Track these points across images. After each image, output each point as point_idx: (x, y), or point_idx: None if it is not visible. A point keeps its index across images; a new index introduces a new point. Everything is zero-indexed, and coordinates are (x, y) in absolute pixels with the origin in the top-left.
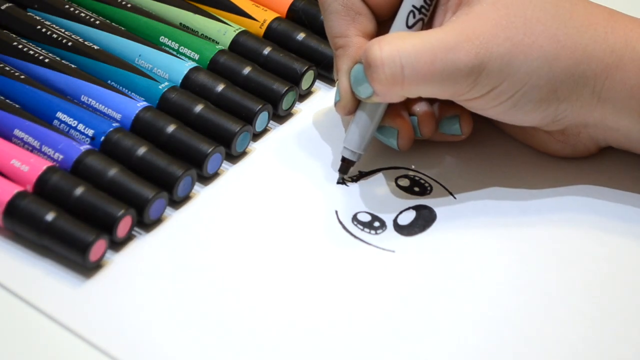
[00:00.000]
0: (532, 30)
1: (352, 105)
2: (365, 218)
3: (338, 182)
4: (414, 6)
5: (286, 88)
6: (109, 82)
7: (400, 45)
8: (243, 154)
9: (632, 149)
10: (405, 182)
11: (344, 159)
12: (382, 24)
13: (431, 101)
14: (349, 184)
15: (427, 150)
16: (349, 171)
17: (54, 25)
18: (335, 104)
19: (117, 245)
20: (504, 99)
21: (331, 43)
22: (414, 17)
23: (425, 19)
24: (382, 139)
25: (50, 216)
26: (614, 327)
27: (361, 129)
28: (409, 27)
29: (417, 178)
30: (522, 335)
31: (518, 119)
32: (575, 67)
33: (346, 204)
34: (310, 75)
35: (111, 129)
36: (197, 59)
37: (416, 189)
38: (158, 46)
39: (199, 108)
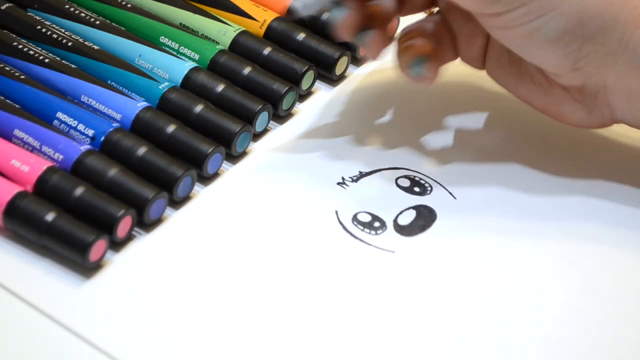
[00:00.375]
0: None
1: None
2: (366, 218)
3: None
4: None
5: (286, 88)
6: (109, 82)
7: None
8: (243, 154)
9: None
10: (405, 183)
11: (290, 10)
12: None
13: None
14: (349, 184)
15: (428, 150)
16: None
17: (54, 25)
18: None
19: (117, 245)
20: (531, 19)
21: None
22: None
23: None
24: (410, 71)
25: (50, 216)
26: (612, 325)
27: None
28: None
29: (417, 178)
30: (522, 335)
31: (538, 51)
32: (608, 7)
33: (346, 204)
34: (310, 75)
35: (111, 129)
36: (197, 59)
37: (416, 189)
38: (158, 46)
39: (199, 108)
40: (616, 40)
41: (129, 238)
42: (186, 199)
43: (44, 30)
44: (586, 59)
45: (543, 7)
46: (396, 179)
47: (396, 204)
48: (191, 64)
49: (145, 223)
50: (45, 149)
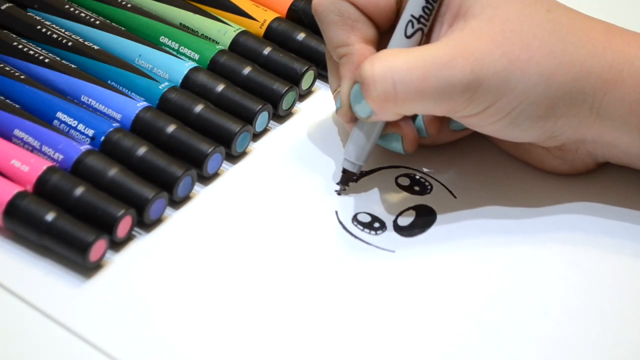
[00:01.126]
0: (529, 46)
1: (354, 114)
2: (365, 219)
3: (336, 192)
4: (412, 16)
5: (286, 88)
6: (109, 82)
7: (392, 62)
8: (243, 154)
9: (631, 165)
10: (405, 181)
11: (344, 171)
12: (383, 36)
13: None
14: (349, 183)
15: (428, 150)
16: (348, 182)
17: (54, 25)
18: (337, 110)
19: (117, 245)
20: (502, 116)
21: (333, 54)
22: (413, 27)
23: (425, 29)
24: (387, 146)
25: (50, 216)
26: (612, 325)
27: (361, 140)
28: (408, 37)
29: (417, 177)
30: (522, 335)
31: (515, 136)
32: (573, 83)
33: (346, 204)
34: (310, 75)
35: (111, 129)
36: (197, 59)
37: (416, 188)
38: (158, 46)
39: (199, 108)
40: (587, 111)
41: (129, 238)
42: (186, 199)
43: (44, 30)
44: (561, 129)
45: (512, 102)
46: (396, 178)
47: (396, 204)
48: (191, 64)
49: (145, 223)
50: (45, 149)
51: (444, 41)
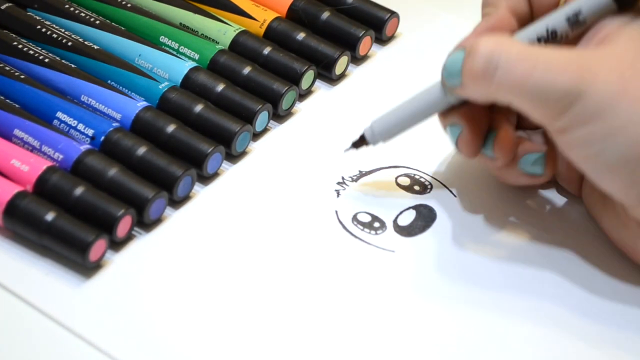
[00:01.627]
0: None
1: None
2: (365, 218)
3: (345, 150)
4: (547, 29)
5: (286, 88)
6: (109, 82)
7: (506, 47)
8: (243, 154)
9: None
10: (405, 181)
11: (362, 137)
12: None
13: (513, 126)
14: (349, 183)
15: (428, 149)
16: (359, 148)
17: (54, 25)
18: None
19: (117, 245)
20: (591, 141)
21: (482, 11)
22: (541, 40)
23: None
24: (449, 134)
25: (50, 216)
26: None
27: (398, 120)
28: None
29: (417, 176)
30: (522, 335)
31: (601, 176)
32: None
33: (346, 204)
34: (310, 75)
35: (111, 129)
36: (197, 58)
37: (416, 187)
38: (158, 46)
39: (199, 108)
40: None
41: (129, 238)
42: (186, 198)
43: (44, 30)
44: None
45: (607, 129)
46: (396, 178)
47: (396, 203)
48: (191, 64)
49: (145, 223)
50: (45, 148)
51: (568, 50)
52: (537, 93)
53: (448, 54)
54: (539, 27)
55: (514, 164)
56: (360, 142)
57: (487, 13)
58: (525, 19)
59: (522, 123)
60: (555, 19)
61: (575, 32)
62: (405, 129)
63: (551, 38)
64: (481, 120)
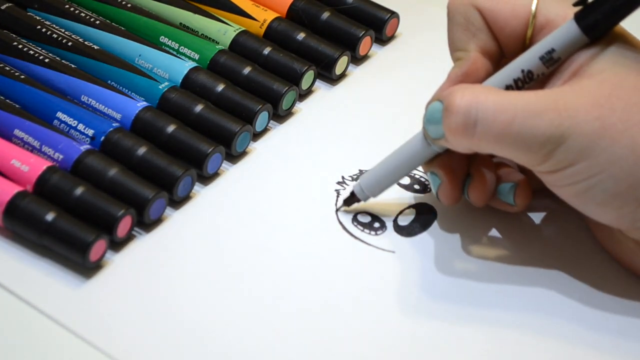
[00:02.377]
0: (629, 117)
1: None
2: (365, 219)
3: (337, 210)
4: (522, 71)
5: (286, 88)
6: (109, 82)
7: (482, 99)
8: (243, 154)
9: None
10: (405, 180)
11: (353, 194)
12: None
13: (492, 165)
14: (349, 183)
15: None
16: (351, 206)
17: (54, 25)
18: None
19: (117, 245)
20: (578, 180)
21: (452, 57)
22: (517, 84)
23: (529, 85)
24: (430, 180)
25: (50, 216)
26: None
27: (385, 174)
28: (507, 88)
29: (417, 176)
30: (523, 335)
31: (591, 210)
32: None
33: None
34: (310, 75)
35: (111, 129)
36: (197, 58)
37: (416, 186)
38: (158, 46)
39: (199, 108)
40: None
41: (129, 238)
42: (186, 198)
43: (44, 30)
44: None
45: (592, 168)
46: None
47: (396, 203)
48: (191, 64)
49: (145, 223)
50: (45, 148)
51: (544, 92)
52: (519, 141)
53: (426, 104)
54: (514, 69)
55: (494, 196)
56: (352, 199)
57: (458, 57)
58: (497, 57)
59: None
60: (529, 60)
61: (550, 69)
62: (392, 183)
63: (528, 79)
64: (460, 169)
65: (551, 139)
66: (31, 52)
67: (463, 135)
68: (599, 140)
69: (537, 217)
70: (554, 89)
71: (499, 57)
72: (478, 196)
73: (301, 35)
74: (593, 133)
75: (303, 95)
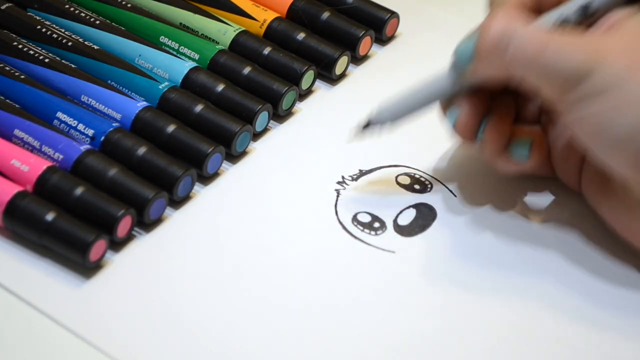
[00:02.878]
0: None
1: None
2: (365, 219)
3: (354, 132)
4: (561, 15)
5: (286, 88)
6: (109, 82)
7: (519, 25)
8: (243, 154)
9: None
10: (405, 180)
11: (368, 121)
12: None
13: (511, 111)
14: (349, 182)
15: (428, 148)
16: (362, 132)
17: (54, 25)
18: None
19: (117, 245)
20: (599, 115)
21: (490, 4)
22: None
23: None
24: (448, 118)
25: (50, 216)
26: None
27: (403, 101)
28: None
29: (417, 176)
30: (522, 336)
31: (607, 154)
32: None
33: (346, 204)
34: (310, 75)
35: (111, 129)
36: (197, 58)
37: (417, 186)
38: (158, 46)
39: (199, 108)
40: None
41: (129, 238)
42: (186, 198)
43: (44, 30)
44: None
45: (614, 105)
46: (396, 177)
47: (396, 202)
48: (191, 64)
49: (145, 223)
50: (45, 148)
51: (579, 34)
52: (548, 69)
53: (459, 42)
54: (551, 16)
55: (506, 152)
56: (368, 125)
57: (496, 5)
58: (533, 13)
59: (521, 116)
60: (568, 9)
61: (585, 24)
62: (409, 111)
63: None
64: (480, 104)
65: (580, 70)
66: (31, 52)
67: (495, 54)
68: (625, 80)
69: (537, 217)
70: (589, 34)
71: (536, 14)
72: (494, 137)
73: (301, 35)
74: (621, 72)
75: (303, 95)
